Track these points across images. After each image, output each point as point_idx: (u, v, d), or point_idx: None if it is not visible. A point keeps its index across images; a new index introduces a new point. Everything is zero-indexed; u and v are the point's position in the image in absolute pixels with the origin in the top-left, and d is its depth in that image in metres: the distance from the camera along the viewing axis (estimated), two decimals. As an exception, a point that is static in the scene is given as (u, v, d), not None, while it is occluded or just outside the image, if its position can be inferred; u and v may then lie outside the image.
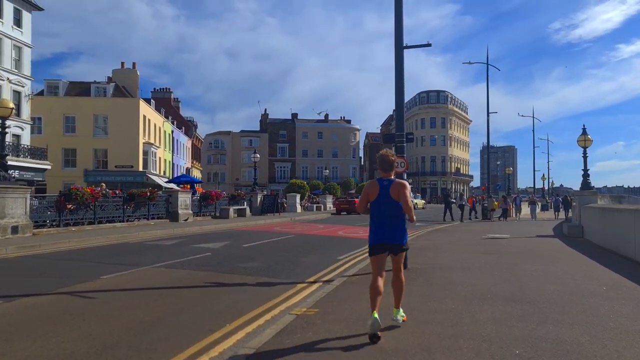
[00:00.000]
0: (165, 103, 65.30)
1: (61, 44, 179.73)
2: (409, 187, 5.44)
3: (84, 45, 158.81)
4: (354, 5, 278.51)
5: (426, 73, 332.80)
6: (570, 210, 33.84)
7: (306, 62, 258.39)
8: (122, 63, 46.05)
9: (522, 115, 56.63)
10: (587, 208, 17.94)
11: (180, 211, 22.00)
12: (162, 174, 47.04)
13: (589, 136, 20.02)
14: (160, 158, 49.17)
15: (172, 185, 28.91)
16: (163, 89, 70.48)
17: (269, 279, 8.89)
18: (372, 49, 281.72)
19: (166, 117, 55.25)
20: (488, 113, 32.25)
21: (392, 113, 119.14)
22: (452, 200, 31.61)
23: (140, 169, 41.68)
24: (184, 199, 22.74)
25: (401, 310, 5.58)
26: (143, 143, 42.86)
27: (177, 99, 74.83)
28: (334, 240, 16.96)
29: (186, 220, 22.52)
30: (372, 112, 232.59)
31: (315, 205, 43.02)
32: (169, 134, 54.22)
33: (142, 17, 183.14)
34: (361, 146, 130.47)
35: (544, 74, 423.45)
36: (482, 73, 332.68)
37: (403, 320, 5.50)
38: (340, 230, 20.61)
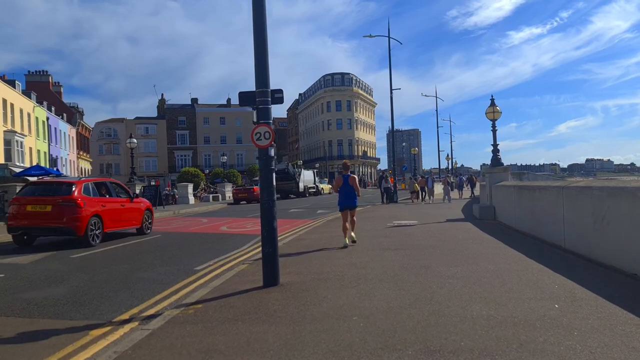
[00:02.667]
0: (41, 87, 57.81)
1: None
2: (357, 178, 11.36)
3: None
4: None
5: (332, 59, 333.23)
6: (474, 189, 32.87)
7: (213, 48, 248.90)
8: (-25, 38, 39.10)
9: (426, 95, 56.52)
10: (500, 187, 16.09)
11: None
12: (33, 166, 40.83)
13: (497, 107, 18.29)
14: (31, 148, 42.75)
15: (32, 179, 23.99)
16: (39, 71, 62.32)
17: (55, 320, 5.56)
18: (279, 35, 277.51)
19: (40, 102, 48.36)
20: (391, 89, 30.29)
21: (297, 97, 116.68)
22: (388, 184, 29.55)
23: (2, 161, 35.52)
24: (27, 196, 18.18)
25: (353, 233, 11.23)
26: (4, 131, 36.58)
27: (58, 83, 66.87)
28: (211, 238, 13.74)
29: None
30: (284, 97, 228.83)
31: (211, 196, 39.32)
32: (43, 121, 47.40)
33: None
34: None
35: (444, 60, 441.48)
36: (386, 58, 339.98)
37: (354, 241, 11.01)
38: (226, 225, 17.39)
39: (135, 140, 28.40)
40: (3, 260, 10.14)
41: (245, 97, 6.93)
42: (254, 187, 35.84)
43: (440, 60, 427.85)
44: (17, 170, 33.08)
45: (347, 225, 10.94)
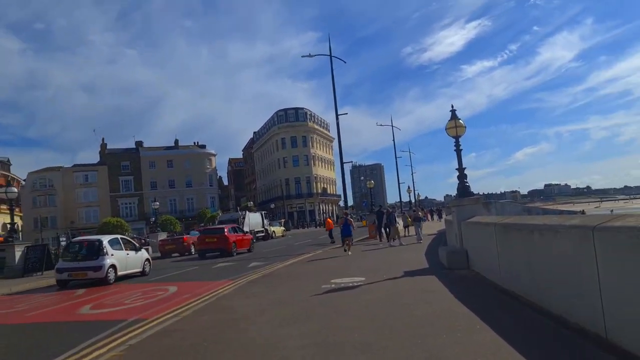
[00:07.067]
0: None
1: None
2: (352, 220, 25.17)
3: None
4: (217, 35, 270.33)
5: (293, 99, 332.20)
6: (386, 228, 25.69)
7: (173, 94, 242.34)
8: None
9: (381, 125, 52.60)
10: (473, 224, 11.72)
11: None
12: None
13: (460, 120, 14.12)
14: None
15: None
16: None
17: None
18: (239, 78, 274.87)
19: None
20: (337, 115, 26.17)
21: (252, 136, 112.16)
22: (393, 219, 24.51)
23: None
24: None
25: (350, 252, 19.10)
26: None
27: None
28: (28, 335, 8.76)
29: None
30: (244, 140, 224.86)
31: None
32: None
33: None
34: (225, 173, 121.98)
35: (402, 95, 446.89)
36: (346, 97, 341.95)
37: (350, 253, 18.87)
38: (98, 300, 12.35)
39: (15, 189, 22.60)
40: (199, 262, 22.90)
41: None
42: (184, 236, 30.75)
43: (398, 96, 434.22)
44: None
45: (346, 246, 19.60)
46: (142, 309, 10.28)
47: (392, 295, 9.20)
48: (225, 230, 25.70)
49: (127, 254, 17.39)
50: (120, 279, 16.57)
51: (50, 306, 12.07)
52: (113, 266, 16.07)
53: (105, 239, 16.88)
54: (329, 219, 34.02)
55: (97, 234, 36.26)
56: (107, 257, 15.93)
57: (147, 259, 18.96)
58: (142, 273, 18.15)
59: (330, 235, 29.23)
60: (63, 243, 30.09)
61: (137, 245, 18.86)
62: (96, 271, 15.52)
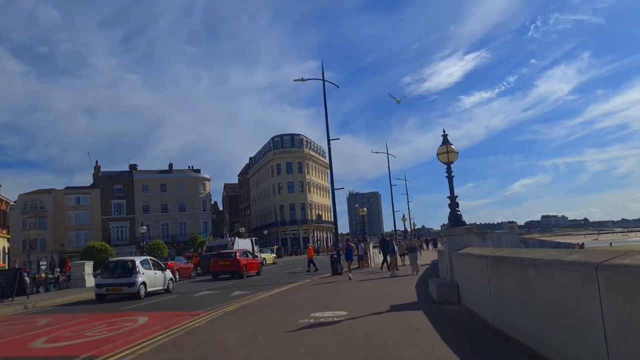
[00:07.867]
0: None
1: None
2: (353, 245, 25.31)
3: None
4: (219, 61, 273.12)
5: (292, 125, 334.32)
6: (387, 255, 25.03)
7: (173, 118, 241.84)
8: None
9: (377, 152, 52.14)
10: (464, 256, 10.90)
11: None
12: None
13: (452, 146, 13.43)
14: None
15: None
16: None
17: None
18: (239, 104, 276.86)
19: None
20: (329, 139, 25.54)
21: (248, 162, 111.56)
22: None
23: None
24: None
25: (350, 274, 20.91)
26: None
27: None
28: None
29: None
30: (241, 165, 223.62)
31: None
32: None
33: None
34: (220, 198, 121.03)
35: (401, 124, 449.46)
36: (345, 124, 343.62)
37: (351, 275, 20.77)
38: (56, 332, 11.40)
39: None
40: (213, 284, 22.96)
41: None
42: (169, 262, 29.78)
43: (397, 125, 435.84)
44: None
45: (347, 269, 21.60)
46: (100, 344, 9.36)
47: (373, 334, 8.32)
48: (237, 254, 27.89)
49: (155, 273, 19.51)
50: (148, 294, 18.67)
51: (4, 337, 11.11)
52: (144, 283, 18.26)
53: (138, 260, 19.09)
54: (310, 247, 33.39)
55: (81, 258, 35.22)
56: (139, 275, 18.16)
57: (171, 278, 21.03)
58: (167, 290, 20.13)
59: (309, 264, 28.57)
60: (43, 267, 28.90)
61: (163, 266, 21.15)
62: (130, 287, 17.83)
